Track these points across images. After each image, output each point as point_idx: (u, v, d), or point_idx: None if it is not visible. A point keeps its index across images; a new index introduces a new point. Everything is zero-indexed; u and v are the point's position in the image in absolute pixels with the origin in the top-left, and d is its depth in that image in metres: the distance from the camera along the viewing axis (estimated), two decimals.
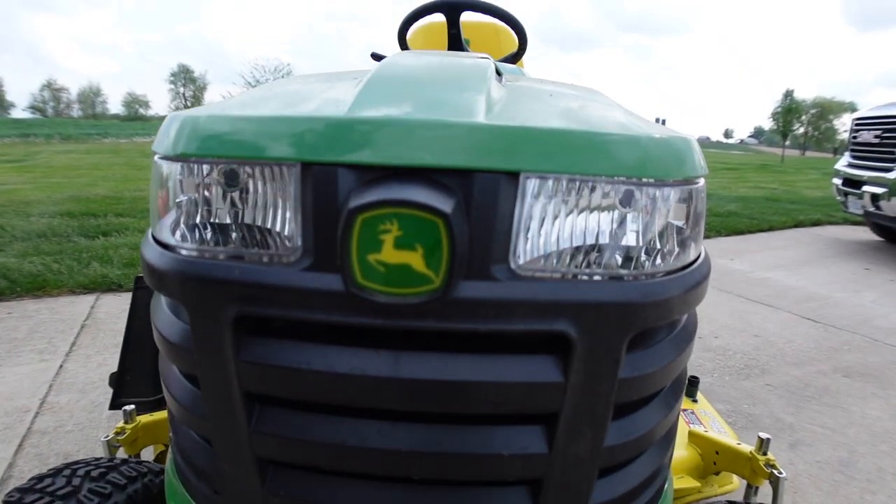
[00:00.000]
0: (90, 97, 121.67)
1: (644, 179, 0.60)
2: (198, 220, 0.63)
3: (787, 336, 3.94)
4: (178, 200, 0.64)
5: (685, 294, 0.65)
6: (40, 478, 1.10)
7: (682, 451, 1.73)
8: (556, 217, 0.59)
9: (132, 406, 1.58)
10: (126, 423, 1.56)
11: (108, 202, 8.07)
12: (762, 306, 4.60)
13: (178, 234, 0.65)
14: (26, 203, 8.09)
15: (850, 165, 7.11)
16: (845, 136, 7.51)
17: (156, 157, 0.70)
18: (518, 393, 0.59)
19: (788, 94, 60.66)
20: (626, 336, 0.60)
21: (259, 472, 0.66)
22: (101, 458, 1.17)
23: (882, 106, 6.87)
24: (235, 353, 0.61)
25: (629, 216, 0.61)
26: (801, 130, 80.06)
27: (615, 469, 0.72)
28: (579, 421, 0.61)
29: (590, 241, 0.60)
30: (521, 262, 0.59)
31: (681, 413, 1.98)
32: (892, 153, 6.35)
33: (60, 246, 5.37)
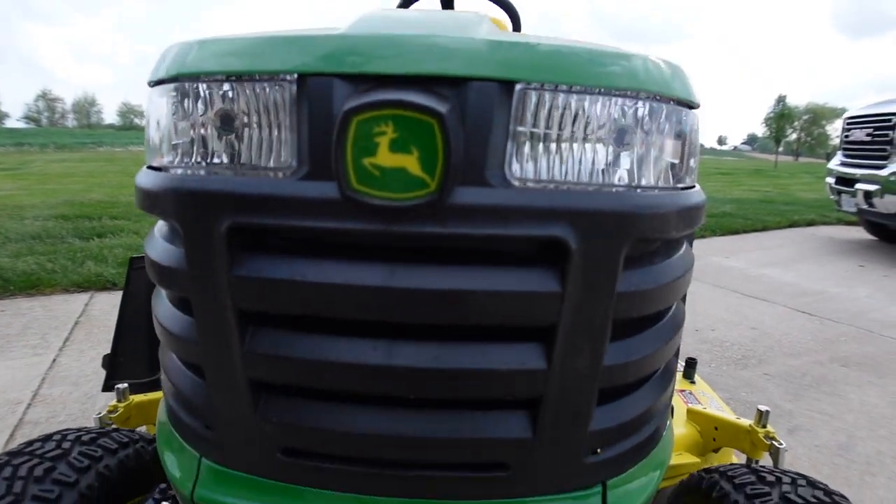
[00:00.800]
0: (85, 107, 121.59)
1: (640, 94, 0.60)
2: (193, 142, 0.63)
3: (784, 329, 3.95)
4: (174, 123, 0.64)
5: (680, 212, 0.65)
6: (30, 442, 1.08)
7: (680, 429, 1.72)
8: (550, 128, 0.58)
9: (125, 384, 1.56)
10: (119, 401, 1.54)
11: (102, 206, 8.04)
12: (758, 301, 4.60)
13: (172, 156, 0.65)
14: (20, 207, 8.06)
15: (843, 164, 7.15)
16: (838, 141, 7.56)
17: (151, 88, 0.69)
18: (515, 303, 0.58)
19: (781, 100, 61.14)
20: (622, 246, 0.59)
21: (252, 398, 0.65)
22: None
23: (873, 104, 6.93)
24: (229, 269, 0.60)
25: (625, 130, 0.60)
26: (794, 136, 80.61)
27: (614, 397, 0.71)
28: (577, 335, 0.61)
29: (586, 153, 0.60)
30: (516, 171, 0.58)
31: (679, 393, 1.97)
32: (884, 150, 6.40)
33: (55, 247, 5.35)
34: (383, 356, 0.61)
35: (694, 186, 0.72)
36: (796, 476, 1.04)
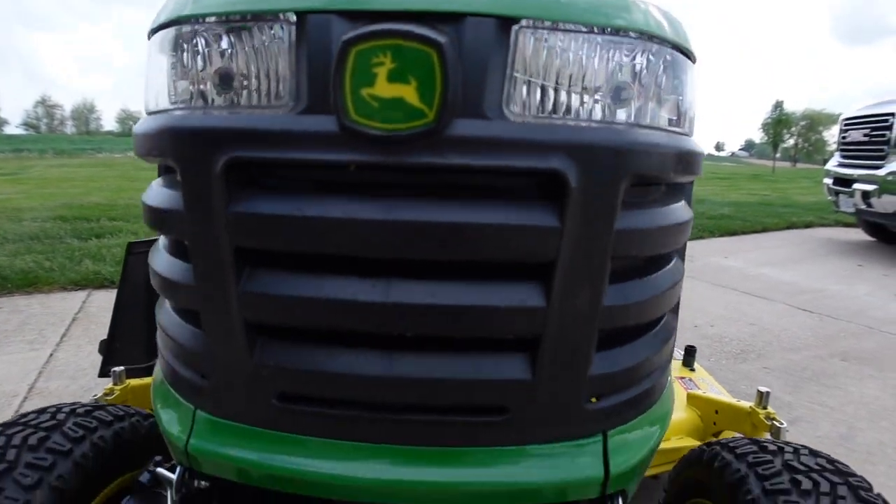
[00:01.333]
0: (84, 114, 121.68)
1: (641, 37, 0.60)
2: (192, 85, 0.62)
3: (783, 325, 3.94)
4: (173, 67, 0.64)
5: (679, 155, 0.64)
6: (25, 415, 1.07)
7: (681, 414, 1.72)
8: (548, 64, 0.58)
9: (121, 368, 1.55)
10: (115, 384, 1.53)
11: (101, 209, 8.03)
12: (756, 298, 4.60)
13: (171, 99, 0.65)
14: (18, 210, 8.04)
15: (841, 165, 7.17)
16: (835, 146, 7.59)
17: (150, 38, 0.69)
18: (514, 238, 0.57)
19: (778, 105, 61.37)
20: (620, 182, 0.59)
21: (248, 342, 0.64)
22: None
23: (870, 105, 6.95)
24: (226, 206, 0.59)
25: (625, 72, 0.60)
26: (792, 142, 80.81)
27: (614, 344, 0.71)
28: (576, 273, 0.60)
29: (586, 92, 0.59)
30: (514, 106, 0.58)
31: (679, 380, 1.97)
32: (881, 151, 6.41)
33: (53, 247, 5.34)
34: (381, 294, 0.60)
35: (692, 136, 0.72)
36: (799, 446, 1.03)
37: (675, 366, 2.09)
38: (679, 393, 1.85)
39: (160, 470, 0.95)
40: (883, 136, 6.44)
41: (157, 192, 0.70)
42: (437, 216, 0.57)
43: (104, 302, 3.92)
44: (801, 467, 0.95)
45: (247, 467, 0.68)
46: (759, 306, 4.40)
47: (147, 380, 1.60)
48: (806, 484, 0.90)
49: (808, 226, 8.97)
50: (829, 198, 7.46)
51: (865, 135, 6.76)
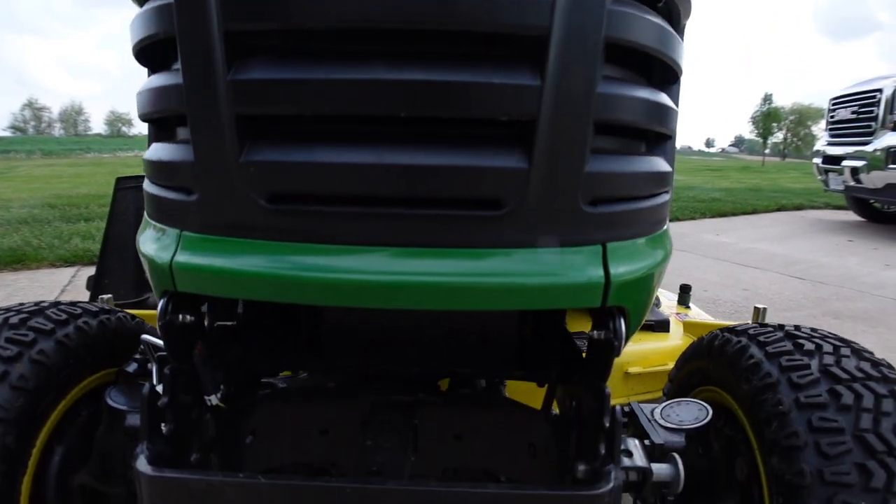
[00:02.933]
0: (72, 116, 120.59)
1: None
2: None
3: (776, 290, 3.96)
4: None
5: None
6: (7, 308, 1.04)
7: (677, 341, 1.72)
8: None
9: (109, 295, 1.52)
10: None
11: (90, 198, 7.97)
12: (750, 268, 4.62)
13: None
14: (7, 200, 7.98)
15: (830, 144, 7.22)
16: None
17: None
18: (507, 7, 0.56)
19: (767, 98, 61.77)
20: None
21: (237, 140, 0.62)
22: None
23: (857, 83, 7.00)
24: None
25: None
26: (781, 136, 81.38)
27: (609, 150, 0.70)
28: (570, 51, 0.59)
29: None
30: None
31: (675, 315, 1.97)
32: (869, 127, 6.46)
33: (41, 229, 5.29)
34: (375, 73, 0.59)
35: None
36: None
37: (671, 304, 2.09)
38: (675, 324, 1.85)
39: (145, 336, 0.93)
40: (871, 112, 6.48)
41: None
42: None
43: None
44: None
45: (233, 277, 0.66)
46: (752, 274, 4.42)
47: (136, 312, 1.58)
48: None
49: (798, 208, 9.03)
50: (819, 177, 7.51)
51: (853, 112, 6.80)
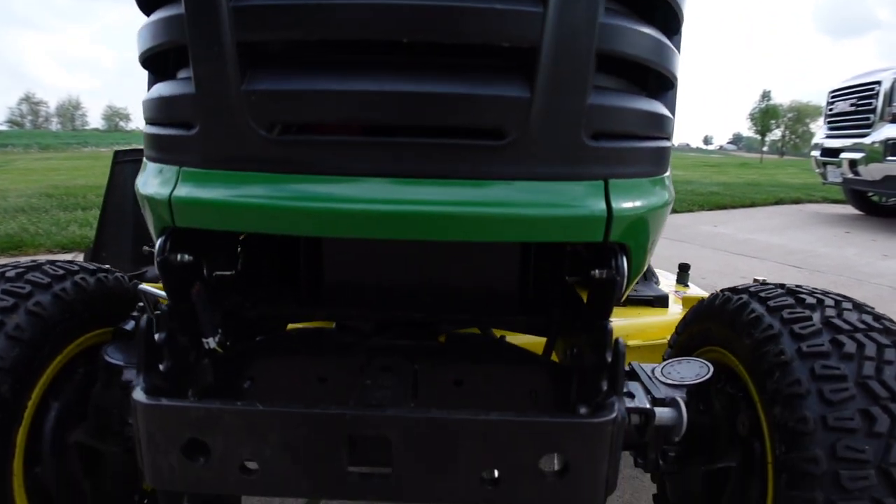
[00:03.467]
0: (69, 110, 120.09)
1: None
2: None
3: (774, 278, 3.90)
4: None
5: None
6: (3, 265, 1.04)
7: (676, 316, 1.71)
8: None
9: (107, 266, 1.51)
10: None
11: (87, 188, 7.93)
12: (748, 258, 4.62)
13: None
14: (4, 190, 7.94)
15: (828, 136, 7.22)
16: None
17: None
18: None
19: (766, 95, 61.85)
20: None
21: (239, 67, 0.61)
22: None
23: (856, 76, 7.00)
24: None
25: None
26: (779, 133, 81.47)
27: (612, 84, 0.70)
28: None
29: None
30: None
31: (674, 293, 1.97)
32: (867, 119, 6.46)
33: (38, 217, 5.26)
34: None
35: None
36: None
37: (670, 283, 2.09)
38: (674, 300, 1.85)
39: (143, 286, 0.93)
40: (869, 104, 6.48)
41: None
42: None
43: None
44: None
45: (232, 209, 0.65)
46: (750, 263, 4.43)
47: None
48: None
49: (796, 202, 9.04)
50: (817, 170, 7.51)
51: (852, 104, 6.81)
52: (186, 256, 0.78)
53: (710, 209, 7.88)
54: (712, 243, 5.24)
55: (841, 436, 0.75)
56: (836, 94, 7.17)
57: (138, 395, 0.72)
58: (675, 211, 7.48)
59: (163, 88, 0.73)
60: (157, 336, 0.76)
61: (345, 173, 0.64)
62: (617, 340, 0.72)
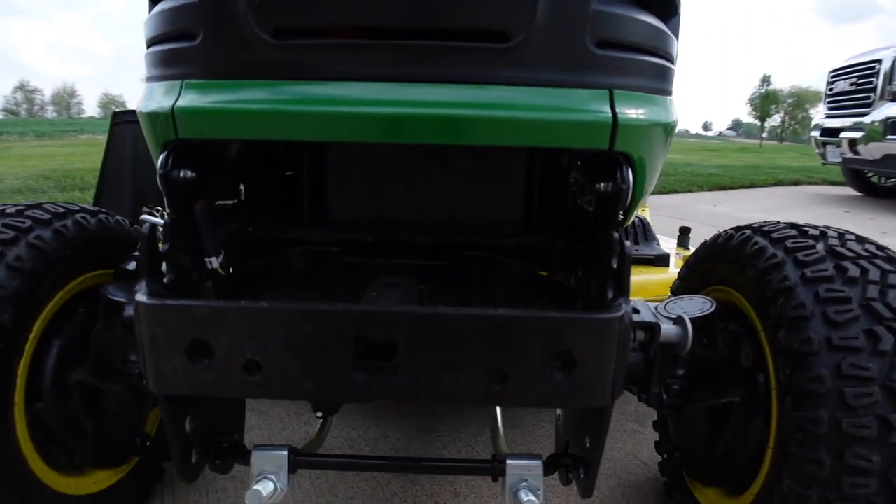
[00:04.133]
0: (65, 99, 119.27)
1: None
2: None
3: None
4: None
5: None
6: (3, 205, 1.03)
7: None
8: None
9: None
10: None
11: (84, 171, 7.90)
12: None
13: None
14: (1, 174, 7.90)
15: (828, 116, 7.19)
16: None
17: None
18: None
19: (766, 80, 61.62)
20: None
21: None
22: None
23: (857, 55, 6.96)
24: None
25: None
26: (779, 119, 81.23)
27: (618, 2, 0.69)
28: None
29: None
30: None
31: (676, 255, 1.97)
32: (868, 98, 6.43)
33: (36, 197, 5.25)
34: None
35: None
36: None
37: (671, 246, 2.09)
38: (675, 260, 1.85)
39: (145, 216, 0.92)
40: (870, 83, 6.45)
41: None
42: None
43: None
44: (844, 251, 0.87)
45: (235, 116, 0.65)
46: None
47: None
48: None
49: (795, 183, 9.03)
50: (817, 151, 7.49)
51: (852, 84, 6.77)
52: (189, 173, 0.77)
53: (710, 189, 7.87)
54: (712, 221, 5.24)
55: (846, 355, 0.75)
56: (837, 74, 7.13)
57: (141, 297, 0.71)
58: (674, 191, 7.50)
59: (166, 3, 0.72)
60: (160, 247, 0.76)
61: (348, 77, 0.63)
62: (623, 247, 0.72)
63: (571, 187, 1.00)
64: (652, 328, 0.83)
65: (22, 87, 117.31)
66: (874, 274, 0.81)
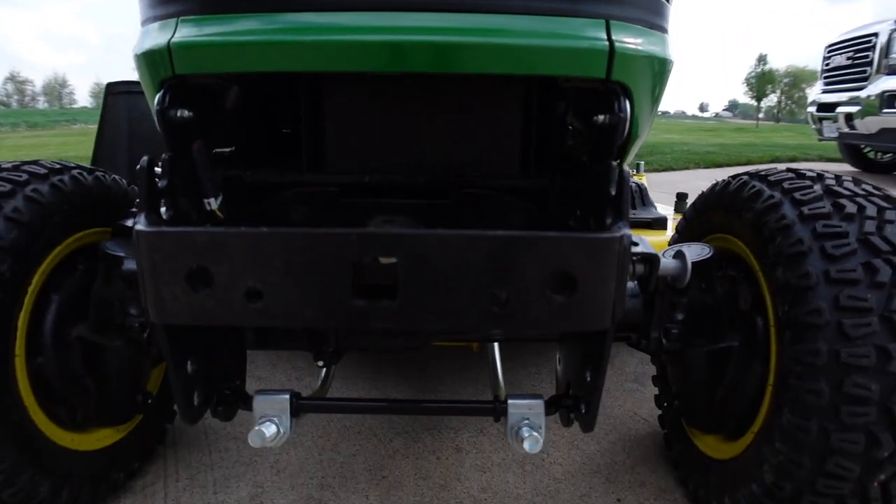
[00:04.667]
0: (56, 89, 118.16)
1: None
2: None
3: None
4: None
5: None
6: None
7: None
8: None
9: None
10: None
11: (78, 159, 7.84)
12: None
13: None
14: None
15: (824, 91, 7.17)
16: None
17: None
18: None
19: (762, 59, 61.32)
20: None
21: None
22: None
23: (852, 29, 6.93)
24: None
25: None
26: (775, 99, 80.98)
27: None
28: None
29: None
30: None
31: (673, 220, 1.97)
32: (864, 72, 6.41)
33: None
34: None
35: None
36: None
37: (668, 211, 2.09)
38: (673, 224, 1.85)
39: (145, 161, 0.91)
40: (866, 56, 6.42)
41: None
42: None
43: None
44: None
45: (232, 49, 0.64)
46: None
47: None
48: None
49: (791, 160, 9.02)
50: (813, 126, 7.47)
51: (848, 58, 6.74)
52: (186, 112, 0.76)
53: (707, 167, 7.87)
54: None
55: (843, 287, 0.75)
56: (833, 49, 7.10)
57: (141, 226, 0.70)
58: (670, 168, 7.49)
59: None
60: (158, 183, 0.75)
61: (345, 6, 0.63)
62: (621, 171, 0.72)
63: (569, 131, 1.00)
64: (651, 260, 0.84)
65: (12, 78, 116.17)
66: (871, 210, 0.81)
